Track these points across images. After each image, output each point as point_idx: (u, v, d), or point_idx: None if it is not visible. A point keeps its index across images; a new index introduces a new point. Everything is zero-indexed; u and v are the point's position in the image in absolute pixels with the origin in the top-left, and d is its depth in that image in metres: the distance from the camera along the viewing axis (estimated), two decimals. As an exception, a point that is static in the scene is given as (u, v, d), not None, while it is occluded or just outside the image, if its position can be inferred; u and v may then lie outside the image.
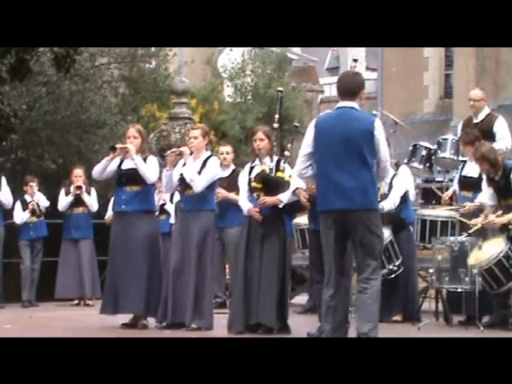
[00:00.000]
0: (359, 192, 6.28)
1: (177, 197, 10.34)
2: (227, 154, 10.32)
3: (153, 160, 8.59)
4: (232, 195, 9.47)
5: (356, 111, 6.45)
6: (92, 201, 11.74)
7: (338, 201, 6.35)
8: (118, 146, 8.64)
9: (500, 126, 9.76)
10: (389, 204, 8.70)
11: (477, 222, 8.50)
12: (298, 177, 6.79)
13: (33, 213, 11.59)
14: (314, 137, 6.51)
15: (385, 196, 8.73)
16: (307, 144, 6.55)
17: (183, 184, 8.32)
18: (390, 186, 8.91)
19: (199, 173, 8.20)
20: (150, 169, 8.49)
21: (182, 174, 8.27)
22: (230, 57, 20.89)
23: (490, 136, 9.41)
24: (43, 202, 11.77)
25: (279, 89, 8.99)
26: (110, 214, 11.48)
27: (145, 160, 8.55)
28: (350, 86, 6.52)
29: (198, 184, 8.17)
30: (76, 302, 11.74)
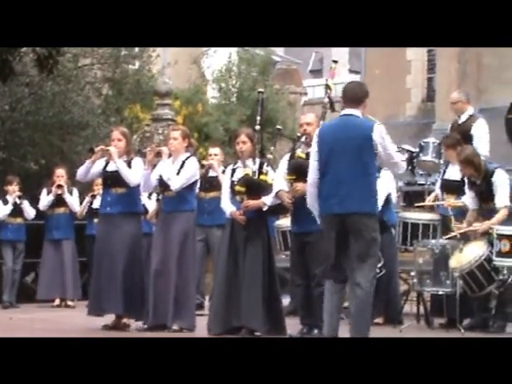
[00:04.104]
0: (356, 197, 6.44)
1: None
2: (215, 155, 10.31)
3: (138, 162, 8.59)
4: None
5: (356, 118, 6.61)
6: (73, 201, 11.72)
7: (335, 205, 6.51)
8: (97, 148, 8.66)
9: (478, 127, 9.67)
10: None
11: (460, 229, 8.51)
12: (312, 185, 6.80)
13: (15, 204, 11.56)
14: (317, 145, 6.72)
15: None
16: (314, 154, 6.75)
17: (163, 185, 8.36)
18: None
19: (178, 173, 8.24)
20: (132, 171, 8.50)
21: (161, 176, 8.30)
22: (215, 59, 20.91)
23: (468, 138, 9.39)
24: (30, 211, 11.74)
25: (260, 90, 8.98)
26: (81, 209, 11.71)
27: (130, 162, 8.57)
28: (356, 95, 6.71)
29: (175, 182, 8.20)
30: (57, 303, 11.71)
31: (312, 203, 6.74)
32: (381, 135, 6.50)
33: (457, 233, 8.44)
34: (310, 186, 6.77)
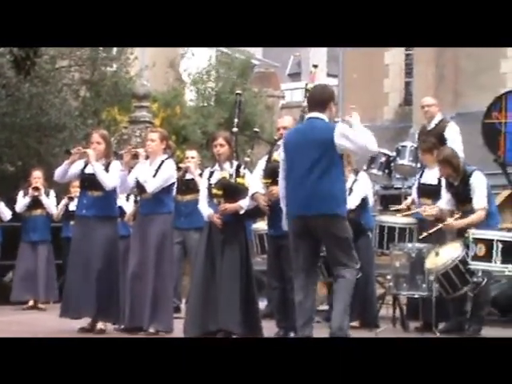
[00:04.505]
0: (317, 199, 6.49)
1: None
2: (192, 158, 10.30)
3: (116, 165, 8.56)
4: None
5: (320, 121, 6.65)
6: (50, 203, 11.68)
7: (300, 207, 6.62)
8: (74, 149, 8.65)
9: (451, 131, 9.84)
10: (348, 205, 8.67)
11: (431, 213, 8.55)
12: (283, 188, 6.85)
13: None
14: (283, 150, 6.82)
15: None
16: (282, 158, 6.85)
17: (139, 187, 8.35)
18: (350, 191, 8.96)
19: (154, 176, 8.23)
20: (108, 175, 8.47)
21: (137, 178, 8.29)
22: (193, 61, 20.89)
23: (442, 142, 9.50)
24: (6, 213, 11.68)
25: (238, 92, 8.97)
26: (57, 211, 11.65)
27: (108, 165, 8.55)
28: (318, 99, 6.81)
29: (151, 185, 8.20)
30: (30, 304, 11.63)
31: (284, 208, 6.83)
32: (343, 134, 6.56)
33: (431, 231, 8.45)
34: (281, 189, 6.85)
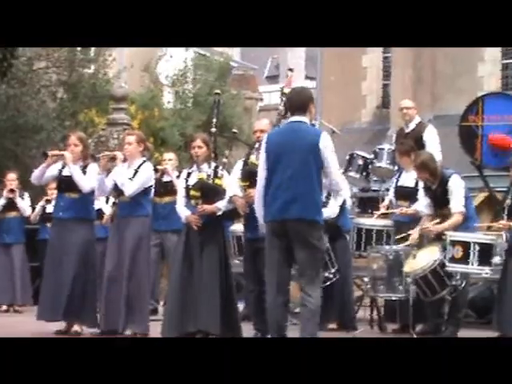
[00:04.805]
0: (298, 203, 6.42)
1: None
2: (169, 160, 10.29)
3: (93, 168, 8.53)
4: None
5: (303, 125, 6.59)
6: (25, 205, 11.62)
7: (278, 211, 6.51)
8: (51, 152, 8.62)
9: (430, 133, 9.91)
10: (328, 212, 8.68)
11: (413, 235, 8.56)
12: (259, 192, 6.79)
13: None
14: (264, 152, 6.68)
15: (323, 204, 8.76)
16: (262, 161, 6.74)
17: (117, 190, 8.32)
18: (328, 195, 8.97)
19: (132, 178, 8.21)
20: (85, 178, 8.44)
21: (115, 181, 8.27)
22: (171, 63, 20.88)
23: (420, 144, 9.54)
24: None
25: (217, 91, 8.94)
26: (34, 213, 11.65)
27: (86, 167, 8.52)
28: (297, 103, 6.70)
29: (129, 188, 8.17)
30: (5, 308, 11.57)
31: (259, 210, 6.75)
32: (326, 146, 6.51)
33: (411, 241, 8.48)
34: (257, 193, 6.76)
